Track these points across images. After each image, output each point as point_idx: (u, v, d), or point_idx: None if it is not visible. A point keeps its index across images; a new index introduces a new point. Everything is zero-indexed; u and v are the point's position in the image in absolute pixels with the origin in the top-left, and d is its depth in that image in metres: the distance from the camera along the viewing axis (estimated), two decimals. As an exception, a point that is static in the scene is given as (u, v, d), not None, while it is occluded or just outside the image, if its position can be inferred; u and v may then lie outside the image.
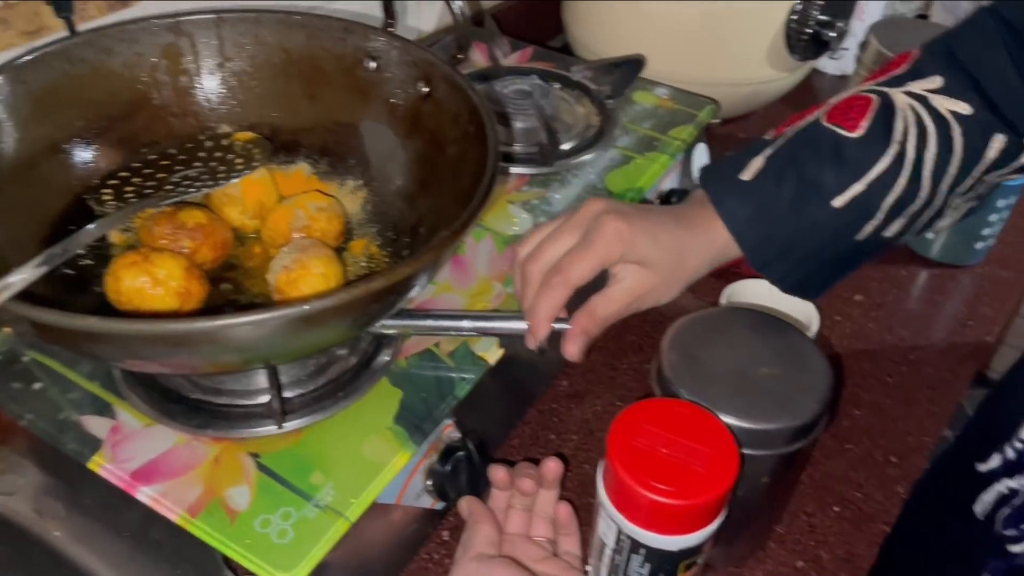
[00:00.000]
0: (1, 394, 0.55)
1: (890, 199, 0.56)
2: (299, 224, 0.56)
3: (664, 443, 0.46)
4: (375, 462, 0.52)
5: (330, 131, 0.63)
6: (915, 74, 0.57)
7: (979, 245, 0.86)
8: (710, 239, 0.56)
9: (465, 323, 0.56)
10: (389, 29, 0.63)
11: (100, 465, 0.51)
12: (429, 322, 0.55)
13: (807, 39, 0.95)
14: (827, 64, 1.20)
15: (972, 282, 0.87)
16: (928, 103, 0.56)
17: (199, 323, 0.38)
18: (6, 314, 0.38)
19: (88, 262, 0.56)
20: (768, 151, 0.57)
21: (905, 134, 0.55)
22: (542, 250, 0.55)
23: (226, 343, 0.41)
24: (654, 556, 0.47)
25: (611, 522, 0.48)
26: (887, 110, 0.56)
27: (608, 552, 0.50)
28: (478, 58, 0.91)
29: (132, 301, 0.50)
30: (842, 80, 1.20)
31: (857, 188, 0.55)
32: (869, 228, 0.57)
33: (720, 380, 0.53)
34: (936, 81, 0.56)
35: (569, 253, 0.53)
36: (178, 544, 0.55)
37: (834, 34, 0.95)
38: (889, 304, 0.83)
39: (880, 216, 0.56)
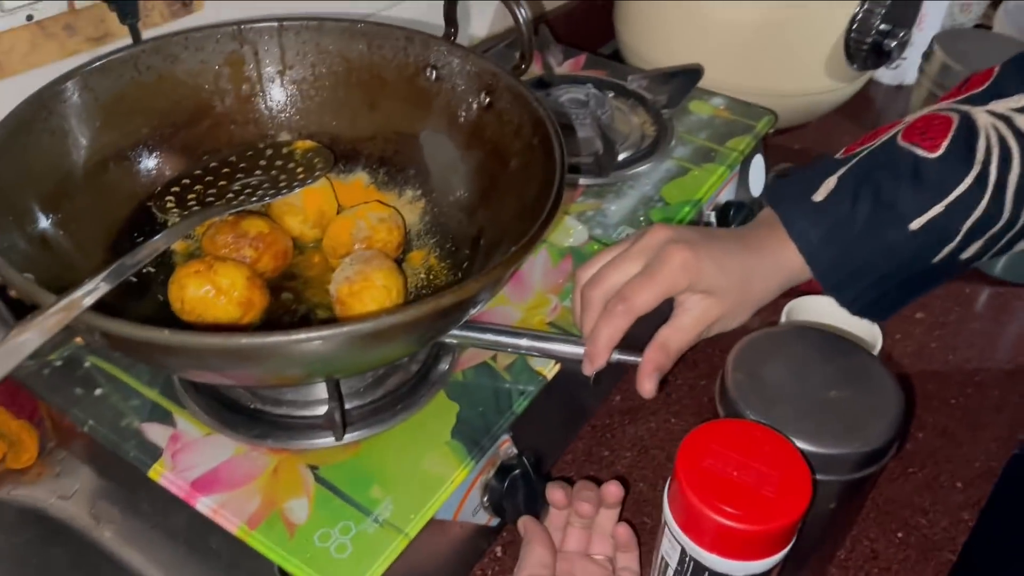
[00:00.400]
0: (63, 400, 0.55)
1: (970, 221, 0.54)
2: (360, 235, 0.55)
3: (734, 465, 0.45)
4: (434, 477, 0.51)
5: (390, 141, 0.63)
6: (997, 92, 0.55)
7: (1047, 263, 0.84)
8: (779, 263, 0.55)
9: (524, 341, 0.55)
10: (451, 38, 0.62)
11: (160, 474, 0.51)
12: (488, 336, 0.55)
13: (867, 48, 0.93)
14: (884, 74, 1.18)
15: (1039, 301, 0.84)
16: (1012, 123, 0.54)
17: (271, 338, 0.37)
18: (80, 324, 0.38)
19: (149, 269, 0.56)
20: (841, 171, 0.55)
21: (988, 154, 0.53)
22: (604, 276, 0.54)
23: (294, 357, 0.41)
24: (719, 581, 0.46)
25: (675, 543, 0.47)
26: (969, 130, 0.54)
27: (671, 573, 0.48)
28: (532, 66, 0.90)
29: (195, 310, 0.50)
30: (899, 90, 1.18)
31: (936, 210, 0.54)
32: (946, 251, 0.55)
33: (787, 401, 0.51)
34: (1020, 100, 0.54)
35: (632, 281, 0.53)
36: (234, 553, 0.55)
37: (895, 43, 0.93)
38: (952, 323, 0.81)
39: (958, 239, 0.55)
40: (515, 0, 0.58)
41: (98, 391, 0.56)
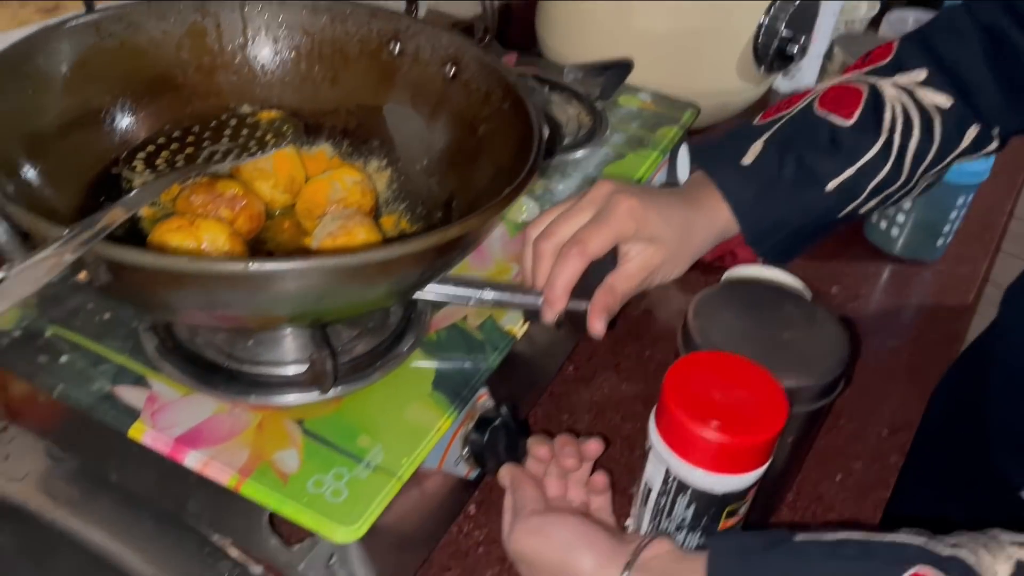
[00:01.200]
0: (27, 367, 0.54)
1: (874, 182, 0.61)
2: (336, 196, 0.56)
3: (717, 388, 0.48)
4: (420, 425, 0.52)
5: (352, 114, 0.64)
6: (900, 66, 0.62)
7: (939, 242, 0.92)
8: (713, 218, 0.61)
9: (487, 293, 0.56)
10: (412, 14, 0.64)
11: (143, 432, 0.50)
12: (451, 288, 0.55)
13: (773, 52, 1.01)
14: (782, 83, 1.27)
15: (934, 277, 0.92)
16: (914, 95, 0.61)
17: (299, 262, 0.38)
18: (90, 257, 0.38)
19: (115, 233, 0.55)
20: (765, 135, 0.61)
21: (893, 123, 0.60)
22: (556, 227, 0.57)
23: (302, 287, 0.42)
24: (700, 498, 0.49)
25: (660, 464, 0.50)
26: (876, 100, 0.61)
27: (654, 496, 0.51)
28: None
29: (178, 265, 0.50)
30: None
31: (848, 173, 0.61)
32: (851, 206, 0.62)
33: (747, 343, 0.55)
34: (921, 74, 0.61)
35: (585, 227, 0.56)
36: (213, 517, 0.54)
37: (797, 47, 1.02)
38: (864, 296, 0.88)
39: (863, 196, 0.62)
40: (477, -23, 0.61)
41: (63, 358, 0.54)
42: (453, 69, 0.61)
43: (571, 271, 0.55)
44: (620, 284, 0.58)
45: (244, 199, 0.55)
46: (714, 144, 0.64)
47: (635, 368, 0.75)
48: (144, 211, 0.57)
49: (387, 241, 0.55)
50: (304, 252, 0.56)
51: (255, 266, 0.38)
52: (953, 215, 0.90)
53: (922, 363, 0.81)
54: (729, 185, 0.61)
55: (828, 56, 0.98)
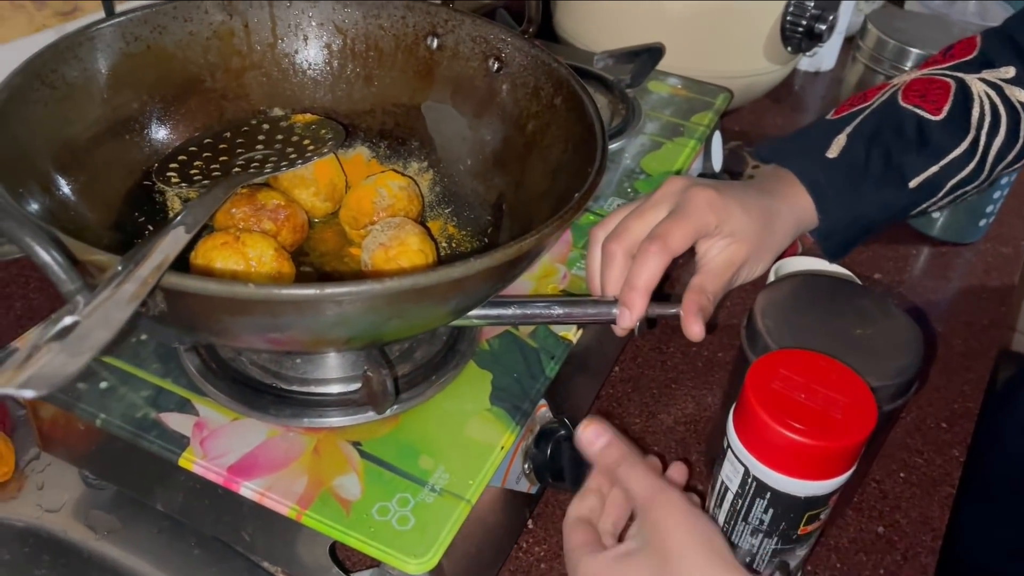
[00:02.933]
0: (65, 396, 0.51)
1: (955, 180, 0.58)
2: (383, 203, 0.53)
3: (801, 389, 0.45)
4: (482, 443, 0.50)
5: (389, 114, 0.61)
6: (987, 63, 0.59)
7: (982, 223, 0.90)
8: (795, 208, 0.57)
9: (556, 310, 0.53)
10: (450, 3, 0.61)
11: (192, 462, 0.48)
12: (516, 310, 0.52)
13: (802, 31, 0.98)
14: (802, 62, 1.24)
15: (977, 258, 0.90)
16: (1003, 92, 0.58)
17: (371, 285, 0.36)
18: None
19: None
20: (847, 129, 0.58)
21: (981, 120, 0.57)
22: (627, 227, 0.54)
23: (372, 309, 0.39)
24: (779, 501, 0.47)
25: (738, 465, 0.47)
26: (965, 96, 0.57)
27: (729, 497, 0.49)
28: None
29: (225, 284, 0.47)
30: (817, 76, 1.25)
31: (933, 170, 0.57)
32: (926, 204, 0.59)
33: (817, 341, 0.53)
34: (1009, 71, 0.58)
35: (663, 222, 0.53)
36: (268, 544, 0.52)
37: (825, 26, 0.99)
38: (907, 282, 0.86)
39: (940, 195, 0.59)
40: (518, -36, 0.57)
41: (103, 384, 0.51)
42: (497, 64, 0.58)
43: (652, 270, 0.50)
44: (709, 283, 0.53)
45: (287, 209, 0.52)
46: (785, 140, 0.61)
47: (683, 367, 0.73)
48: (179, 225, 0.55)
49: (458, 257, 0.52)
50: (361, 272, 0.53)
51: (329, 291, 0.35)
52: (997, 195, 0.87)
53: (975, 348, 0.78)
54: (813, 176, 0.58)
55: (861, 34, 0.95)
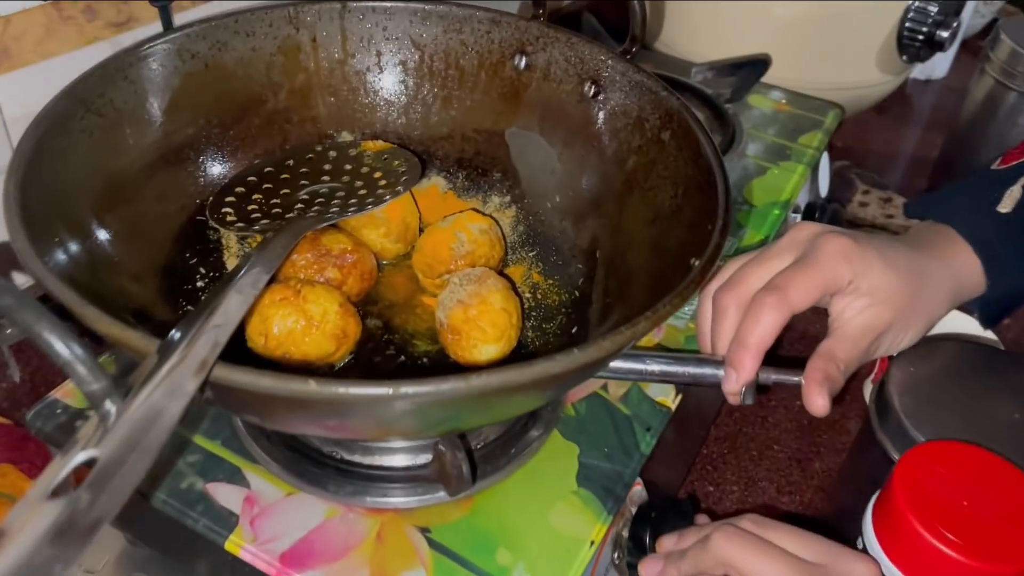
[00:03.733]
0: (105, 457, 0.45)
1: None
2: (462, 250, 0.47)
3: (961, 493, 0.38)
4: (570, 536, 0.43)
5: (469, 140, 0.55)
6: None
7: None
8: (951, 268, 0.48)
9: (652, 365, 0.46)
10: (539, 17, 0.54)
11: (240, 547, 0.42)
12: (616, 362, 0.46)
13: (921, 39, 0.88)
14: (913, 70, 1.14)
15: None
16: None
17: (447, 384, 0.29)
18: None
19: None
20: (1022, 180, 0.49)
21: None
22: (744, 276, 0.46)
23: (450, 404, 0.32)
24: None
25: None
26: None
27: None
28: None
29: (283, 345, 0.41)
30: (927, 84, 1.14)
31: None
32: None
33: (970, 427, 0.45)
34: None
35: (784, 272, 0.44)
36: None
37: (948, 33, 0.89)
38: (1040, 328, 0.76)
39: None
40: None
41: (147, 445, 0.46)
42: (594, 88, 0.51)
43: (766, 326, 0.42)
44: (841, 350, 0.44)
45: (354, 255, 0.46)
46: (941, 192, 0.52)
47: (786, 423, 0.65)
48: (232, 263, 0.49)
49: (566, 349, 0.45)
50: (437, 331, 0.46)
51: (404, 389, 0.29)
52: None
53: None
54: (981, 234, 0.48)
55: (992, 44, 0.85)
